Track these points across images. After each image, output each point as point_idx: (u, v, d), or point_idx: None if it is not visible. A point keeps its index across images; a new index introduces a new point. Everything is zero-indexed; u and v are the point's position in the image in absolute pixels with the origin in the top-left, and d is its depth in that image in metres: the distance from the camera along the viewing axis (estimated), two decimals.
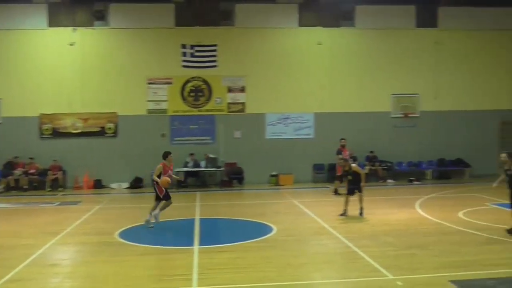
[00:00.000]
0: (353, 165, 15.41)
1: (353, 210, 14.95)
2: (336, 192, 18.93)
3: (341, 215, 14.74)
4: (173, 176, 13.75)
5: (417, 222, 13.92)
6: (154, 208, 13.58)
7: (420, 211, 15.65)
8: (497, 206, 16.09)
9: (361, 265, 9.83)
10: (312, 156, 23.52)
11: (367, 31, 23.97)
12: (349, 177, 15.01)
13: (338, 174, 18.64)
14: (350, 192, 14.94)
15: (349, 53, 24.02)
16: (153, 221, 13.51)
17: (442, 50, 24.30)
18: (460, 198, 18.42)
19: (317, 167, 23.66)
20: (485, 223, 13.42)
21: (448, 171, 24.24)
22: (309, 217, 15.05)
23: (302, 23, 23.67)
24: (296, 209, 16.47)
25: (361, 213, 14.68)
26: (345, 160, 15.95)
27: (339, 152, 19.14)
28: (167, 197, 13.56)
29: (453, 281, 8.58)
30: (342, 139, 19.64)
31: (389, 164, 23.67)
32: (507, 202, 14.11)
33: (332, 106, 23.67)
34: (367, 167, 22.21)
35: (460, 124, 24.41)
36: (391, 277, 8.93)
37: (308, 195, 20.20)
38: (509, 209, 13.00)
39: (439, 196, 18.98)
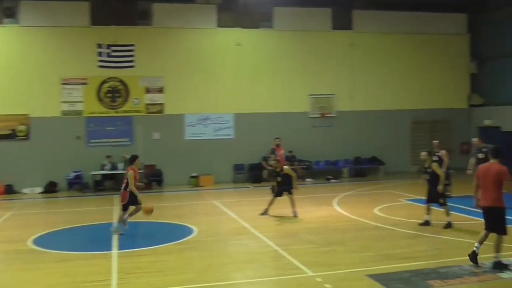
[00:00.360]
0: (285, 167, 15.21)
1: (275, 209, 15.08)
2: (273, 189, 18.88)
3: (262, 214, 14.80)
4: (138, 183, 13.18)
5: (335, 219, 14.25)
6: (129, 214, 12.90)
7: (338, 208, 16.03)
8: (410, 202, 16.76)
9: (282, 263, 9.93)
10: (232, 157, 23.56)
11: (286, 32, 24.30)
12: (278, 179, 14.90)
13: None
14: (278, 194, 14.87)
15: (268, 54, 24.25)
16: (126, 227, 12.79)
17: (357, 51, 25.05)
18: (375, 194, 19.05)
19: (237, 168, 23.72)
20: (399, 218, 13.93)
21: (363, 169, 25.02)
22: (229, 217, 15.05)
23: (220, 24, 23.66)
24: (217, 210, 16.43)
25: (295, 216, 14.59)
26: (278, 161, 15.84)
27: (273, 151, 19.18)
28: (125, 209, 12.84)
29: (370, 275, 8.84)
30: (276, 138, 19.68)
31: (307, 163, 24.12)
32: (419, 197, 14.76)
33: (252, 106, 23.81)
34: (288, 167, 22.46)
35: (374, 123, 25.25)
36: (311, 274, 9.07)
37: (228, 195, 20.22)
38: (422, 204, 13.60)
39: (355, 193, 19.53)
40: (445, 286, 8.27)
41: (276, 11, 24.21)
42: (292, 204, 14.72)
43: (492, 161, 9.28)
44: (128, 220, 12.91)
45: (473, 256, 9.17)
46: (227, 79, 23.65)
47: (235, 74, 23.76)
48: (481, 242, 9.27)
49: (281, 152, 18.53)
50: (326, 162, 24.70)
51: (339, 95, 24.84)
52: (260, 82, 24.00)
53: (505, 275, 8.74)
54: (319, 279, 8.74)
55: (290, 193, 14.75)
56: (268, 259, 10.43)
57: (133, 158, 13.10)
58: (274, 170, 15.20)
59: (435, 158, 14.11)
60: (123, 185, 12.83)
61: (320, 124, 24.67)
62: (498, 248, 9.16)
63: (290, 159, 23.36)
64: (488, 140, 17.01)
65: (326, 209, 15.79)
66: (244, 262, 10.17)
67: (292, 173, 14.98)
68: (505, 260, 9.20)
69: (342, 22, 25.00)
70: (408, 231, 12.36)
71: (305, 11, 24.48)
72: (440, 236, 11.86)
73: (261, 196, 19.32)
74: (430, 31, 25.87)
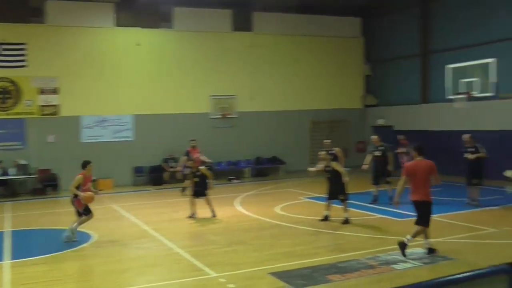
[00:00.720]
0: (202, 167, 15.15)
1: (178, 211, 14.89)
2: (183, 190, 18.74)
3: (190, 217, 14.53)
4: (92, 189, 12.41)
5: (237, 219, 14.31)
6: (74, 223, 12.12)
7: (240, 208, 16.12)
8: (309, 200, 17.18)
9: (185, 265, 9.83)
10: (132, 159, 23.02)
11: (186, 33, 24.10)
12: (195, 179, 14.75)
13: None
14: (196, 194, 14.70)
15: (168, 55, 23.94)
16: (74, 237, 11.99)
17: (257, 53, 25.34)
18: (276, 193, 19.35)
19: (138, 170, 23.22)
20: (300, 216, 14.22)
21: (264, 169, 25.35)
22: (130, 221, 14.70)
23: (119, 23, 23.04)
24: (116, 214, 15.98)
25: (213, 215, 14.51)
26: (194, 161, 15.62)
27: (187, 153, 19.03)
28: (87, 212, 12.12)
29: (272, 273, 8.94)
30: (192, 140, 19.50)
31: (209, 164, 24.02)
32: (319, 195, 15.15)
33: (152, 107, 23.39)
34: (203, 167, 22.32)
35: (275, 124, 25.67)
36: (214, 274, 9.04)
37: (128, 198, 19.71)
38: (322, 202, 13.99)
39: (257, 193, 19.74)
40: (344, 280, 8.54)
41: (176, 11, 23.96)
42: (209, 204, 14.68)
43: (418, 158, 9.92)
44: (22, 228, 12.26)
45: (431, 250, 9.81)
46: (126, 79, 23.08)
47: (135, 75, 23.25)
48: (426, 236, 9.90)
49: (197, 154, 18.43)
50: (227, 162, 24.78)
51: (240, 96, 25.00)
52: (160, 83, 23.64)
53: (399, 266, 9.17)
54: (222, 280, 8.72)
55: (205, 195, 14.69)
56: (171, 262, 10.26)
57: (85, 164, 12.47)
58: (191, 170, 15.10)
59: (329, 157, 14.61)
60: (73, 194, 12.10)
61: (221, 125, 24.71)
62: (415, 235, 9.78)
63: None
64: (382, 139, 17.81)
65: (229, 210, 15.82)
66: (146, 266, 9.96)
67: (208, 173, 14.97)
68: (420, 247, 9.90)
69: (242, 24, 25.20)
70: (308, 228, 12.64)
71: (206, 12, 24.43)
72: (339, 232, 12.25)
73: (162, 198, 19.11)
74: (327, 34, 26.69)
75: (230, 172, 24.32)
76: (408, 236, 9.71)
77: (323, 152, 13.76)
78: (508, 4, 20.61)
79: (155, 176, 22.88)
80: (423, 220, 9.77)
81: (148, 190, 21.48)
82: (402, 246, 9.65)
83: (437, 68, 22.55)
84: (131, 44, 23.17)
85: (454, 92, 18.58)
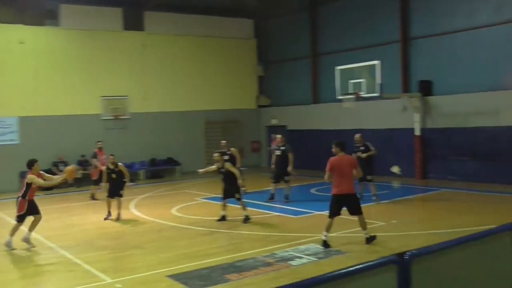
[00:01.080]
0: (120, 164, 14.78)
1: (73, 216, 14.31)
2: (93, 198, 18.06)
3: (106, 218, 14.23)
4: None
5: (132, 223, 14.02)
6: (29, 229, 11.50)
7: (135, 211, 15.77)
8: (206, 200, 17.18)
9: (78, 273, 9.46)
10: (18, 164, 21.57)
11: (74, 31, 23.20)
12: (113, 175, 14.45)
13: (94, 178, 18.00)
14: (112, 195, 14.39)
15: (55, 54, 22.89)
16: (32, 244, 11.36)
17: (149, 53, 24.93)
18: (172, 195, 19.16)
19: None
20: (196, 217, 14.20)
21: (160, 170, 25.01)
22: None
23: (0, 19, 21.75)
24: (1, 222, 15.05)
25: (118, 218, 14.22)
26: (113, 155, 14.93)
27: (94, 155, 18.33)
28: (22, 219, 11.47)
29: (170, 276, 8.84)
30: (98, 141, 18.83)
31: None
32: (215, 195, 15.18)
33: (39, 109, 22.25)
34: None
35: (169, 124, 25.38)
36: (109, 280, 8.79)
37: (14, 205, 18.63)
38: (218, 202, 14.05)
39: (153, 195, 19.42)
40: (242, 278, 8.61)
41: (63, 8, 22.99)
42: (119, 206, 14.38)
43: (340, 153, 10.42)
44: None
45: (326, 244, 10.20)
46: (9, 79, 21.79)
47: (19, 75, 22.00)
48: (328, 230, 10.31)
49: (103, 156, 17.90)
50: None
51: (133, 97, 24.45)
52: (47, 83, 22.55)
53: (295, 262, 9.40)
54: (119, 285, 8.49)
55: (120, 196, 14.45)
56: (63, 270, 9.83)
57: (31, 163, 11.88)
58: (109, 167, 14.71)
59: (226, 157, 14.77)
60: (21, 193, 11.57)
61: (113, 126, 24.01)
62: (365, 226, 10.41)
63: (83, 164, 22.46)
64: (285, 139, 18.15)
65: (124, 213, 15.32)
66: (36, 275, 9.50)
67: (126, 172, 14.72)
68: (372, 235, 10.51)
69: (133, 23, 24.68)
70: (205, 229, 12.63)
71: (95, 10, 23.64)
72: (236, 231, 12.34)
73: (52, 204, 18.28)
74: (220, 35, 26.82)
75: None
76: (364, 231, 10.38)
77: (217, 154, 13.95)
78: (390, 9, 21.78)
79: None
80: (359, 209, 10.40)
81: (37, 195, 20.38)
82: (371, 239, 10.33)
83: (327, 69, 23.34)
84: (13, 42, 21.92)
85: (343, 93, 19.27)
